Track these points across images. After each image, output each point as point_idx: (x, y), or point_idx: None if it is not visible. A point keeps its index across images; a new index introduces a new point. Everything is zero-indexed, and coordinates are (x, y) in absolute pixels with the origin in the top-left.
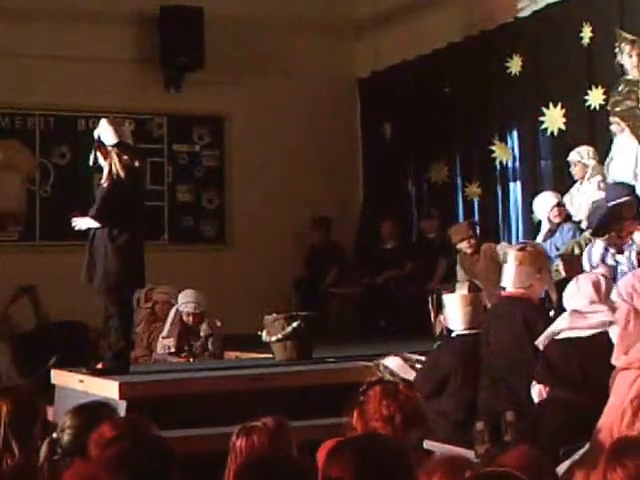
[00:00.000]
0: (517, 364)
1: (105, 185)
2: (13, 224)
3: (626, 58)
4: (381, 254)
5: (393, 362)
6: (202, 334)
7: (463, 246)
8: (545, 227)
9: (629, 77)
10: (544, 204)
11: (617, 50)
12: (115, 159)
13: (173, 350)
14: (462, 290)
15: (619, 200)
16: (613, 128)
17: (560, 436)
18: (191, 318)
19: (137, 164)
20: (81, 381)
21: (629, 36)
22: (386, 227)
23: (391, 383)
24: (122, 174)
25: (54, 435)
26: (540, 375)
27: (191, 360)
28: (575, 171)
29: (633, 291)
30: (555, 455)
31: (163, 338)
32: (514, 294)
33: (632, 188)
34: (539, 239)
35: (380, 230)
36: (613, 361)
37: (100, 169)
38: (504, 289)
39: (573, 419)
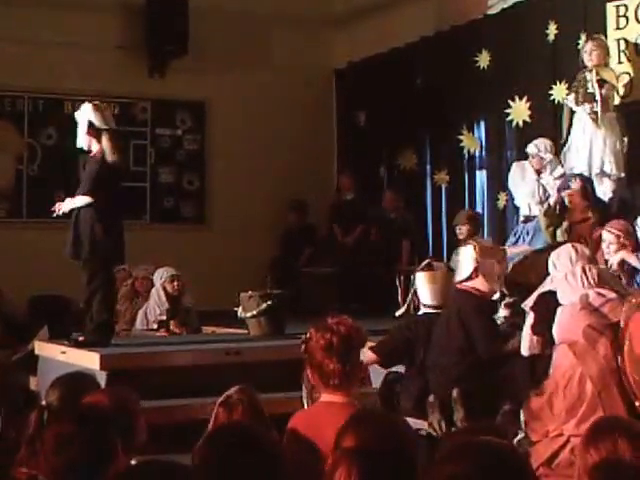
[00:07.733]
0: (445, 358)
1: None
2: (1, 201)
3: (583, 53)
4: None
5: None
6: (184, 305)
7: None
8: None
9: (589, 68)
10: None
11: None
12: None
13: (163, 318)
14: (431, 268)
15: None
16: (574, 107)
17: None
18: (175, 284)
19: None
20: (63, 352)
21: (596, 36)
22: (343, 178)
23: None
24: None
25: (43, 403)
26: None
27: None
28: (533, 163)
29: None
30: None
31: (158, 316)
32: (462, 287)
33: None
34: (520, 224)
35: (338, 182)
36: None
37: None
38: (458, 282)
39: None
